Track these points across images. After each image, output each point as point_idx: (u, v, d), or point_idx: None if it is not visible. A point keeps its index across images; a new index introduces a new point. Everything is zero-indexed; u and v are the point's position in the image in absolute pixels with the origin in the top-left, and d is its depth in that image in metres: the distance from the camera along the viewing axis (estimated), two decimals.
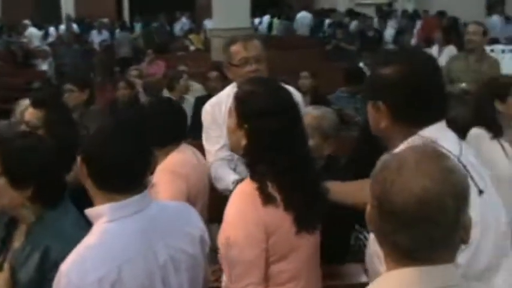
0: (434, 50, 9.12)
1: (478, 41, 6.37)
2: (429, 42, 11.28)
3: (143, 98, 7.65)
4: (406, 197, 1.41)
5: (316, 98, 6.82)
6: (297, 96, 3.62)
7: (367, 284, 1.60)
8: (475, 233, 1.74)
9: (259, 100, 2.27)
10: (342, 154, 3.65)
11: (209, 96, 7.12)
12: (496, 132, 3.76)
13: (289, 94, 2.39)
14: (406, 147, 1.56)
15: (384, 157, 1.56)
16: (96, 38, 16.08)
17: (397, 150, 1.88)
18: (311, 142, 3.16)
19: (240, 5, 12.71)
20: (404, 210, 1.41)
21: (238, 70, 3.43)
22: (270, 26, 19.26)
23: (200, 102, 7.14)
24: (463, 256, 1.78)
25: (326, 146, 3.22)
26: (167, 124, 3.34)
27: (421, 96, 1.98)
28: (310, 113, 3.30)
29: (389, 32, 15.19)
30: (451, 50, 8.97)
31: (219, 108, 3.57)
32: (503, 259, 1.95)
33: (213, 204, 3.47)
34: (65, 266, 1.89)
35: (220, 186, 3.46)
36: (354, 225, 3.51)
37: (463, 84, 6.03)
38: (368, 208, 1.52)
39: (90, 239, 1.95)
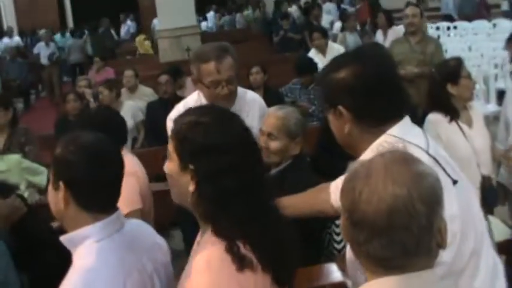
0: (379, 34, 9.21)
1: (418, 22, 6.45)
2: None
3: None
4: (376, 206, 1.38)
5: (269, 92, 6.80)
6: (263, 106, 3.61)
7: (343, 283, 1.58)
8: (455, 227, 1.80)
9: (208, 132, 1.80)
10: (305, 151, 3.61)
11: (160, 100, 7.12)
12: (453, 115, 3.82)
13: (242, 122, 1.94)
14: (375, 155, 1.50)
15: (352, 166, 1.52)
16: (44, 51, 15.78)
17: (365, 154, 1.89)
18: (278, 144, 3.17)
19: (184, 3, 12.57)
20: (375, 219, 1.38)
21: (208, 91, 3.30)
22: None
23: (152, 107, 7.11)
24: (447, 254, 1.75)
25: (293, 145, 3.19)
26: (110, 131, 3.32)
27: (380, 94, 1.94)
28: (273, 114, 3.25)
29: (326, 19, 15.34)
30: (395, 31, 9.08)
31: None
32: (483, 243, 1.95)
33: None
34: None
35: None
36: (325, 225, 3.51)
37: (409, 67, 6.09)
38: (341, 219, 1.49)
39: (87, 262, 1.91)
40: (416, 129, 2.02)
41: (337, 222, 3.54)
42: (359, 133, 1.96)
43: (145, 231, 2.22)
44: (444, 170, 1.87)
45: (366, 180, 1.42)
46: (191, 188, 1.78)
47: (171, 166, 1.85)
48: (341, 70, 1.97)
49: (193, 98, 3.56)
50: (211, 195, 1.77)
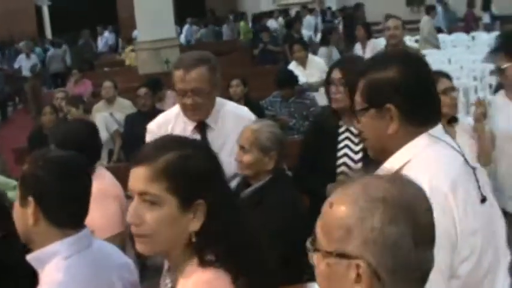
0: (357, 47, 9.23)
1: (400, 35, 6.47)
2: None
3: None
4: None
5: (249, 104, 6.71)
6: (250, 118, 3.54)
7: None
8: (475, 242, 1.80)
9: (201, 160, 1.70)
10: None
11: (139, 113, 7.04)
12: None
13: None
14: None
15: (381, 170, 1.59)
16: (25, 62, 15.59)
17: (401, 153, 1.88)
18: (250, 158, 3.12)
19: (163, 15, 12.50)
20: None
21: (178, 98, 3.27)
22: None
23: (131, 120, 7.02)
24: (464, 267, 1.78)
25: (267, 160, 3.13)
26: (87, 144, 3.30)
27: (425, 95, 1.94)
28: (247, 128, 3.20)
29: (305, 34, 15.41)
30: (374, 43, 9.12)
31: (165, 129, 3.41)
32: (500, 261, 1.94)
33: None
34: None
35: None
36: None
37: None
38: None
39: (55, 278, 1.89)
40: (449, 135, 2.02)
41: None
42: (403, 132, 1.90)
43: (113, 250, 2.23)
44: (477, 181, 1.87)
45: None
46: (195, 225, 1.62)
47: (162, 213, 1.60)
48: (387, 69, 1.92)
49: (175, 110, 3.48)
50: (222, 226, 1.64)
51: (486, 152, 3.79)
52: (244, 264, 1.66)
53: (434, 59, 11.32)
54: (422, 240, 1.26)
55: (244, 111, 3.61)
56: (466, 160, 1.90)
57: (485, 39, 12.33)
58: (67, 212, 1.98)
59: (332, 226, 1.27)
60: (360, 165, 3.40)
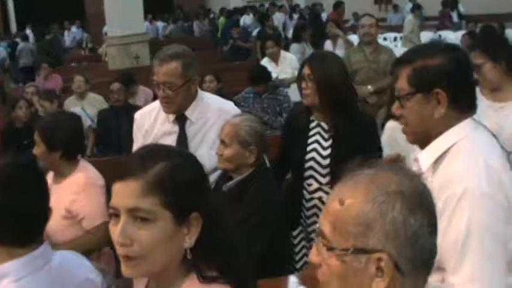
0: (327, 44, 9.31)
1: (374, 32, 6.54)
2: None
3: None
4: None
5: None
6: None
7: None
8: None
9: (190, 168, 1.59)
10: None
11: (112, 108, 7.01)
12: None
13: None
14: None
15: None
16: None
17: (448, 134, 2.00)
18: (229, 151, 3.16)
19: (133, 10, 12.44)
20: None
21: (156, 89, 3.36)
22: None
23: (104, 115, 7.00)
24: None
25: (248, 154, 3.16)
26: (74, 136, 3.46)
27: (467, 84, 2.07)
28: (228, 122, 3.24)
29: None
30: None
31: (149, 116, 3.49)
32: None
33: None
34: None
35: None
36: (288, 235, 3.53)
37: (369, 87, 6.17)
38: None
39: None
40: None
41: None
42: (448, 117, 2.01)
43: (77, 265, 2.07)
44: (510, 163, 2.02)
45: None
46: (191, 241, 1.51)
47: (156, 230, 1.47)
48: (435, 57, 2.03)
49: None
50: (218, 238, 1.55)
51: None
52: (242, 275, 1.60)
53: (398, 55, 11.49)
54: (435, 228, 1.31)
55: (229, 105, 3.67)
56: (500, 144, 2.06)
57: (452, 38, 12.51)
58: (15, 230, 1.81)
59: (348, 223, 1.27)
60: (328, 161, 3.44)
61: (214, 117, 3.43)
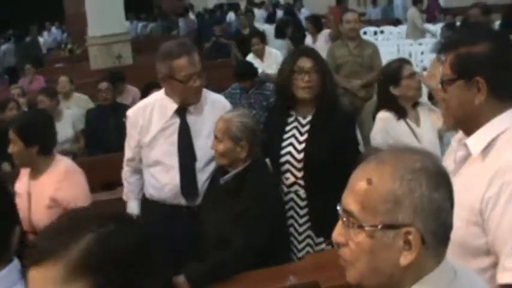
0: (308, 39, 9.39)
1: (358, 27, 6.62)
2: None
3: None
4: None
5: None
6: (227, 107, 3.68)
7: None
8: None
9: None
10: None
11: (100, 107, 7.01)
12: (400, 114, 3.93)
13: None
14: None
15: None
16: None
17: (496, 121, 2.00)
18: (222, 147, 3.23)
19: (114, 10, 12.41)
20: None
21: (182, 86, 3.36)
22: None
23: (92, 114, 7.00)
24: None
25: (239, 149, 3.22)
26: (49, 131, 3.61)
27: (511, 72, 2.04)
28: (221, 118, 3.31)
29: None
30: (324, 35, 9.33)
31: (143, 112, 3.55)
32: None
33: None
34: None
35: (124, 189, 3.80)
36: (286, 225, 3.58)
37: (359, 82, 6.25)
38: None
39: None
40: None
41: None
42: (489, 104, 2.02)
43: None
44: None
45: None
46: None
47: None
48: (478, 44, 2.03)
49: (154, 97, 3.63)
50: None
51: None
52: None
53: (384, 50, 11.61)
54: (453, 204, 1.39)
55: (220, 97, 3.78)
56: None
57: (432, 30, 12.63)
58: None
59: (377, 200, 1.34)
60: (302, 155, 3.48)
61: (209, 108, 3.54)
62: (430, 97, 4.72)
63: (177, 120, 3.48)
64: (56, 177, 3.50)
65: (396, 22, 15.91)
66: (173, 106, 3.47)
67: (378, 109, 4.05)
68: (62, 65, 14.53)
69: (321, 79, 3.47)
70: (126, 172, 3.75)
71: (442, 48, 2.24)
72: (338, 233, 1.42)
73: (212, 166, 3.50)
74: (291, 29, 10.62)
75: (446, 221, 1.37)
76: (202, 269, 3.10)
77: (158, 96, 3.58)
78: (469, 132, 2.08)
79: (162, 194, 3.55)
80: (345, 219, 1.40)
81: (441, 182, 1.36)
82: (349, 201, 1.39)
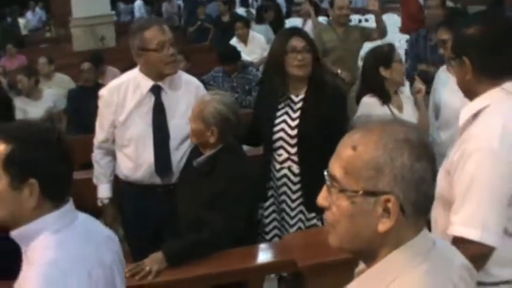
0: (297, 22, 9.38)
1: (348, 14, 6.61)
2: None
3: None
4: None
5: None
6: (199, 87, 3.72)
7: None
8: None
9: None
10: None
11: (83, 87, 6.99)
12: (384, 98, 3.97)
13: None
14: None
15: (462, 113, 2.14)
16: None
17: (476, 101, 2.25)
18: (193, 127, 3.28)
19: None
20: None
21: (156, 56, 3.41)
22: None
23: (74, 95, 6.98)
24: None
25: (209, 133, 3.25)
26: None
27: (501, 53, 2.25)
28: (201, 97, 3.36)
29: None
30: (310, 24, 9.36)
31: (117, 91, 3.56)
32: None
33: None
34: None
35: (94, 172, 3.81)
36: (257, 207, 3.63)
37: (339, 71, 6.25)
38: None
39: (47, 256, 1.79)
40: None
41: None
42: (477, 83, 2.26)
43: (97, 223, 2.14)
44: None
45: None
46: None
47: None
48: (471, 27, 2.28)
49: (127, 76, 3.63)
50: None
51: (424, 124, 4.05)
52: None
53: None
54: (435, 176, 1.44)
55: (192, 78, 3.81)
56: None
57: None
58: (62, 185, 1.91)
59: (360, 167, 1.39)
60: (296, 131, 3.54)
61: (183, 88, 3.59)
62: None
63: (152, 99, 3.51)
64: None
65: (382, 10, 15.89)
66: (148, 83, 3.50)
67: (361, 91, 4.09)
68: (45, 45, 14.41)
69: (312, 58, 3.54)
70: (97, 155, 3.75)
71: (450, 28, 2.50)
72: (322, 197, 1.47)
73: (186, 145, 3.54)
74: (271, 13, 10.60)
75: (427, 192, 1.40)
76: (181, 246, 3.11)
77: (132, 75, 3.59)
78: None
79: (137, 174, 3.56)
80: (329, 183, 1.45)
81: (424, 153, 1.40)
82: (335, 166, 1.44)
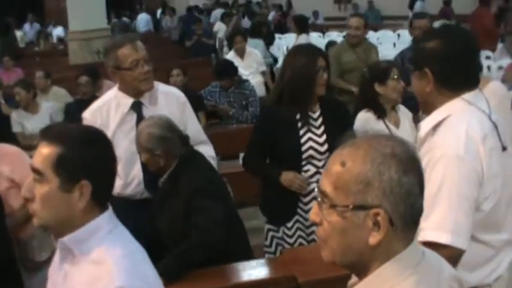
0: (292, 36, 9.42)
1: (362, 34, 6.54)
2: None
3: (5, 109, 7.35)
4: None
5: (188, 94, 6.78)
6: (180, 98, 3.74)
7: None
8: (497, 184, 2.29)
9: None
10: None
11: (80, 101, 6.99)
12: (380, 113, 4.00)
13: None
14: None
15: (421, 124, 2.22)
16: None
17: (435, 113, 2.34)
18: (143, 157, 3.33)
19: (95, 5, 12.45)
20: None
21: (130, 74, 3.44)
22: None
23: (71, 108, 6.98)
24: (487, 204, 2.27)
25: (157, 158, 3.28)
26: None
27: (461, 65, 2.35)
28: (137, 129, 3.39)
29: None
30: (304, 38, 9.38)
31: (99, 112, 3.59)
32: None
33: None
34: None
35: None
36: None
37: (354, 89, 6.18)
38: None
39: (117, 251, 1.81)
40: (483, 96, 2.42)
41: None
42: (438, 92, 2.36)
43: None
44: (499, 135, 2.35)
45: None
46: None
47: None
48: (431, 40, 2.38)
49: (108, 96, 3.68)
50: None
51: None
52: None
53: None
54: (423, 189, 1.46)
55: (172, 88, 3.87)
56: (490, 119, 2.36)
57: (409, 36, 12.73)
58: (110, 186, 1.92)
59: (349, 182, 1.41)
60: (326, 146, 3.56)
61: (163, 100, 3.62)
62: None
63: (134, 115, 3.55)
64: (5, 160, 3.48)
65: (376, 27, 16.05)
66: (128, 101, 3.54)
67: (357, 106, 4.12)
68: (41, 59, 14.41)
69: (328, 77, 3.58)
70: None
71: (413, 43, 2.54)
72: (314, 213, 1.50)
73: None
74: (265, 28, 10.69)
75: (415, 205, 1.43)
76: (170, 260, 3.14)
77: (112, 94, 3.63)
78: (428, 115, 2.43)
79: (127, 190, 3.58)
80: (320, 199, 1.48)
81: (411, 167, 1.42)
82: (325, 182, 1.46)
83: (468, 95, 2.35)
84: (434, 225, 2.18)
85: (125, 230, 1.93)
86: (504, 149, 2.36)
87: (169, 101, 3.63)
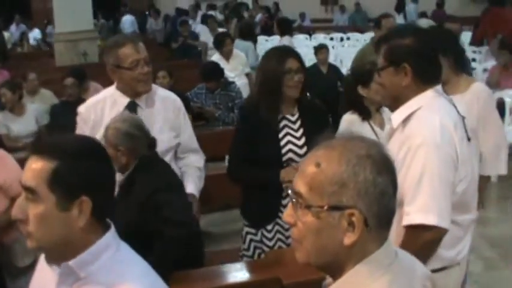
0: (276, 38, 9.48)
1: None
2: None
3: None
4: None
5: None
6: (175, 102, 3.75)
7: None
8: (468, 167, 2.54)
9: None
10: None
11: (66, 103, 6.98)
12: (364, 115, 4.03)
13: None
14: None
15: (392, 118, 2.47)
16: None
17: (409, 104, 2.54)
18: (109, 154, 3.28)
19: (81, 7, 12.42)
20: None
21: (130, 73, 3.46)
22: None
23: (57, 110, 6.97)
24: (461, 186, 2.51)
25: (119, 154, 3.27)
26: None
27: (434, 59, 2.61)
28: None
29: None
30: (287, 40, 9.43)
31: (94, 109, 3.60)
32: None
33: None
34: None
35: None
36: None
37: None
38: None
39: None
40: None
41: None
42: (414, 86, 2.54)
43: None
44: (465, 126, 2.60)
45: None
46: None
47: None
48: (405, 38, 2.57)
49: (104, 94, 3.69)
50: None
51: None
52: None
53: (350, 56, 11.74)
54: (396, 189, 1.48)
55: (169, 93, 3.85)
56: (457, 111, 2.60)
57: None
58: (111, 201, 1.78)
59: (324, 182, 1.42)
60: (305, 149, 3.51)
61: (159, 104, 3.62)
62: None
63: None
64: None
65: (363, 29, 16.14)
66: (124, 100, 3.55)
67: (343, 108, 4.13)
68: (28, 60, 14.35)
69: (304, 78, 3.51)
70: None
71: (378, 41, 2.73)
72: (288, 214, 1.50)
73: (167, 159, 3.57)
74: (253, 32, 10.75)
75: (388, 205, 1.45)
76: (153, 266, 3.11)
77: (109, 92, 3.65)
78: (396, 109, 2.60)
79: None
80: (294, 200, 1.48)
81: (385, 168, 1.44)
82: (299, 183, 1.47)
83: (438, 87, 2.59)
84: (420, 209, 2.38)
85: (126, 244, 1.79)
86: (469, 139, 2.61)
87: (165, 105, 3.63)
